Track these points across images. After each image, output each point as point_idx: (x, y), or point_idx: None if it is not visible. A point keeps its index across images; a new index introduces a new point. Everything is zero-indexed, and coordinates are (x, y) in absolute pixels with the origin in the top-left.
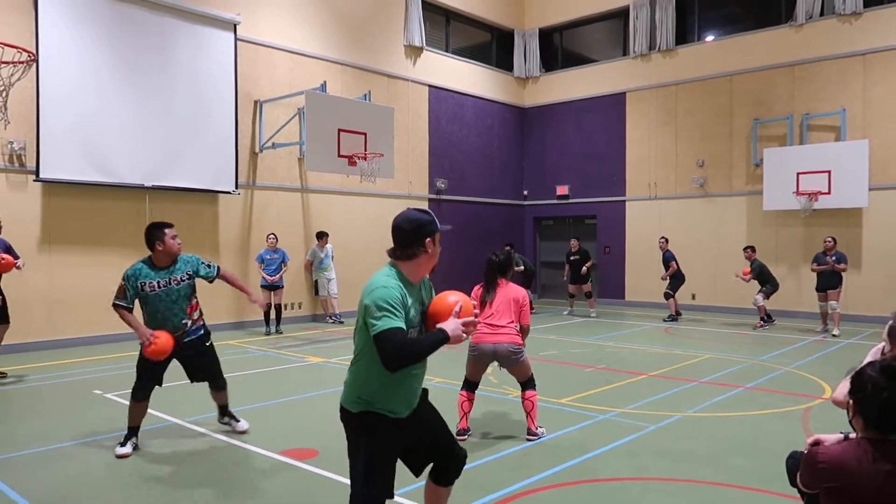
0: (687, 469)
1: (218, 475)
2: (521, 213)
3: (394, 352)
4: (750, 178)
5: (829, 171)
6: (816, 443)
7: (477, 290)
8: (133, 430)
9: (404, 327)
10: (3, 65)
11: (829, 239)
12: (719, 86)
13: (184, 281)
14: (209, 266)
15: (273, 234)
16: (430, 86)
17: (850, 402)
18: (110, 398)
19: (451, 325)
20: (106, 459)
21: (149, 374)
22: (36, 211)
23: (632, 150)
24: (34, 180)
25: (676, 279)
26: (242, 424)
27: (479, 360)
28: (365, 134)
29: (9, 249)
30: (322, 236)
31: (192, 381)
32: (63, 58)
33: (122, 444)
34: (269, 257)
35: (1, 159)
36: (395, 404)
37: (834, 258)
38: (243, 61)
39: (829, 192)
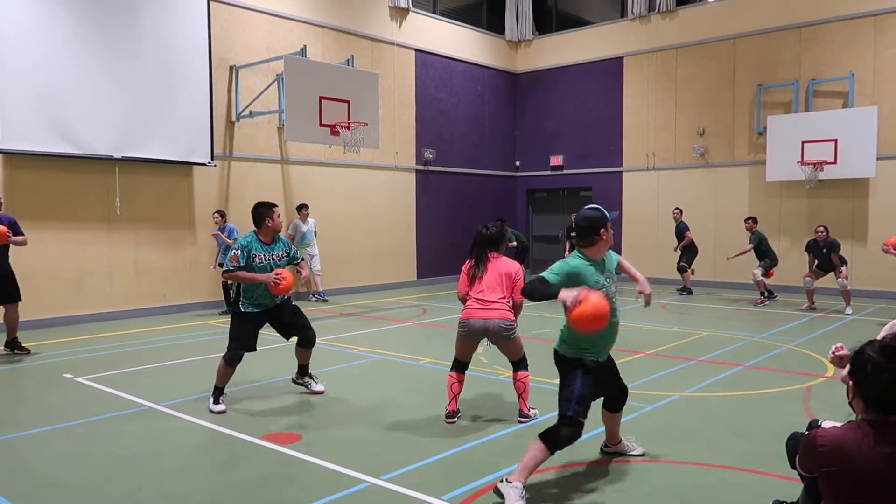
0: (685, 450)
1: (195, 460)
2: (514, 185)
3: (529, 286)
4: (753, 147)
5: (835, 140)
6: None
7: (467, 266)
8: (221, 390)
9: (551, 281)
10: None
11: (822, 228)
12: (721, 49)
13: (282, 259)
14: (294, 251)
15: (219, 211)
16: (416, 50)
17: (850, 383)
18: (82, 382)
19: (568, 294)
20: (78, 446)
21: (243, 341)
22: None
23: (629, 117)
24: None
25: (691, 251)
26: (321, 386)
27: (468, 338)
28: (348, 101)
29: (13, 225)
30: (303, 208)
31: (287, 339)
32: (22, 18)
33: (216, 402)
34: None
35: None
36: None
37: (825, 250)
38: (217, 24)
39: (835, 162)
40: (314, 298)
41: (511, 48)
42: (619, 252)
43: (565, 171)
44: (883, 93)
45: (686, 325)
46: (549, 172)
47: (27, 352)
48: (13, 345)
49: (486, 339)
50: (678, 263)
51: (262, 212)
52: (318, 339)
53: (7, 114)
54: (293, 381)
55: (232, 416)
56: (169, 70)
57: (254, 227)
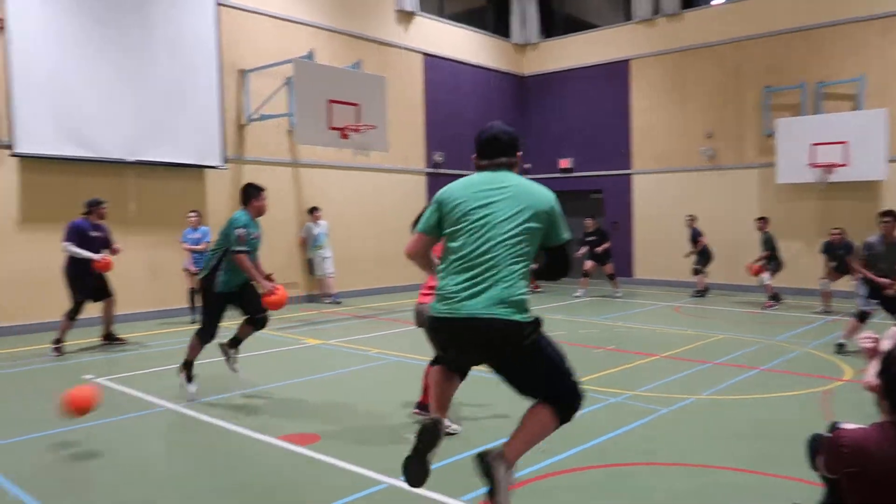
0: (701, 453)
1: (214, 460)
2: None
3: (570, 260)
4: (762, 149)
5: (845, 143)
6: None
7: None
8: (192, 364)
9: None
10: None
11: (836, 231)
12: (728, 52)
13: (259, 239)
14: None
15: (195, 211)
16: (424, 53)
17: (878, 383)
18: (102, 383)
19: None
20: (99, 446)
21: (217, 320)
22: (12, 187)
23: (637, 120)
24: (10, 155)
25: (705, 255)
26: (238, 366)
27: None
28: (357, 105)
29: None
30: (314, 211)
31: (246, 315)
32: (35, 23)
33: (190, 381)
34: (190, 236)
35: None
36: None
37: (841, 252)
38: (226, 28)
39: (845, 165)
40: (328, 301)
41: (517, 51)
42: (630, 255)
43: (574, 174)
44: (892, 95)
45: (700, 327)
46: (558, 175)
47: (123, 342)
48: (110, 337)
49: None
50: (693, 266)
51: (251, 191)
52: (333, 342)
53: (22, 118)
54: (220, 344)
55: (250, 416)
56: (180, 74)
57: (242, 205)
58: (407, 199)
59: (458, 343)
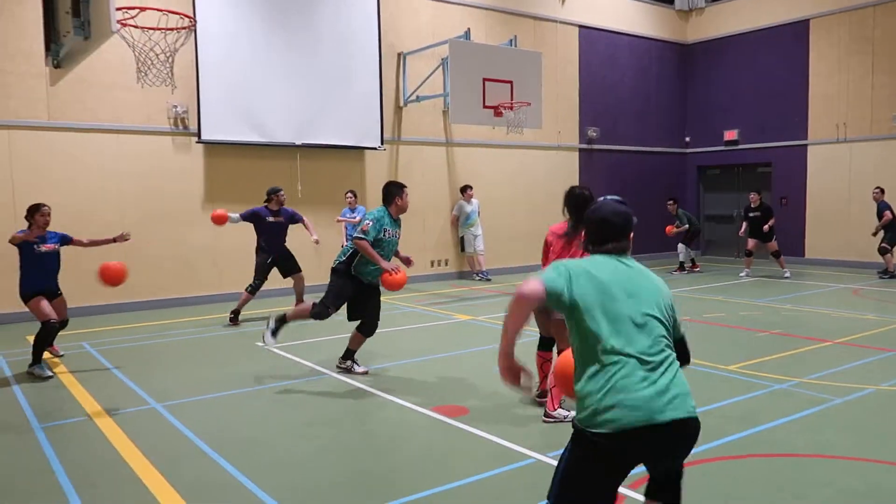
0: (879, 449)
1: (372, 426)
2: (683, 162)
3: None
4: None
5: None
6: None
7: (555, 236)
8: (284, 323)
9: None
10: (168, 31)
11: None
12: None
13: (399, 238)
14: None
15: (351, 191)
16: (580, 26)
17: None
18: (272, 350)
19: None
20: (273, 407)
21: (340, 298)
22: (199, 171)
23: (816, 86)
24: (196, 142)
25: (893, 232)
26: (363, 367)
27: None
28: (511, 82)
29: (292, 217)
30: (467, 189)
31: (350, 319)
32: (217, 22)
33: (274, 336)
34: (348, 216)
35: (167, 123)
36: None
37: None
38: (386, 12)
39: None
40: (478, 277)
41: (681, 18)
42: (802, 232)
43: (741, 146)
44: None
45: (884, 312)
46: (722, 147)
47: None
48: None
49: None
50: (880, 245)
51: (393, 190)
52: (482, 317)
53: (206, 108)
54: (336, 366)
55: (402, 387)
56: (342, 60)
57: (383, 203)
58: (559, 175)
59: None
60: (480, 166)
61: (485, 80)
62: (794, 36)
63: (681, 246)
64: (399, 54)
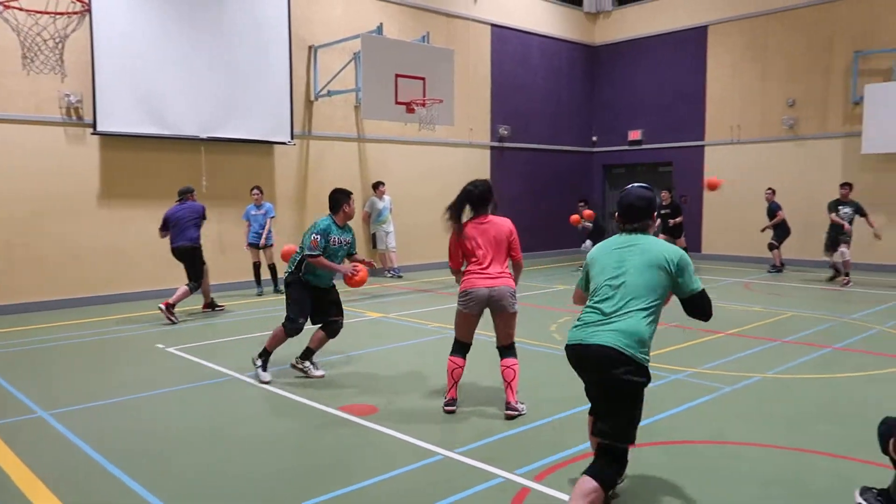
0: (767, 433)
1: (276, 428)
2: (590, 161)
3: (711, 307)
4: (848, 117)
5: None
6: None
7: (455, 236)
8: (269, 354)
9: None
10: (57, 16)
11: None
12: (815, 15)
13: (349, 245)
14: (354, 245)
15: (257, 187)
16: (492, 24)
17: None
18: (172, 352)
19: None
20: (168, 413)
21: (304, 307)
22: (94, 164)
23: (713, 89)
24: (91, 133)
25: (782, 230)
26: (320, 371)
27: (471, 310)
28: (423, 79)
29: (203, 213)
30: (378, 185)
31: (314, 323)
32: (116, 7)
33: (265, 369)
34: (254, 213)
35: (59, 112)
36: None
37: None
38: (296, 4)
39: None
40: (389, 275)
41: (589, 20)
42: (699, 229)
43: (644, 146)
44: None
45: (771, 304)
46: (627, 147)
47: (221, 308)
48: (211, 305)
49: (488, 307)
50: (769, 241)
51: (340, 198)
52: (393, 315)
53: (103, 98)
54: (292, 365)
55: (310, 387)
56: (251, 52)
57: (329, 212)
58: (471, 173)
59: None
60: (392, 163)
61: (397, 75)
62: (693, 41)
63: (588, 243)
64: (310, 47)
